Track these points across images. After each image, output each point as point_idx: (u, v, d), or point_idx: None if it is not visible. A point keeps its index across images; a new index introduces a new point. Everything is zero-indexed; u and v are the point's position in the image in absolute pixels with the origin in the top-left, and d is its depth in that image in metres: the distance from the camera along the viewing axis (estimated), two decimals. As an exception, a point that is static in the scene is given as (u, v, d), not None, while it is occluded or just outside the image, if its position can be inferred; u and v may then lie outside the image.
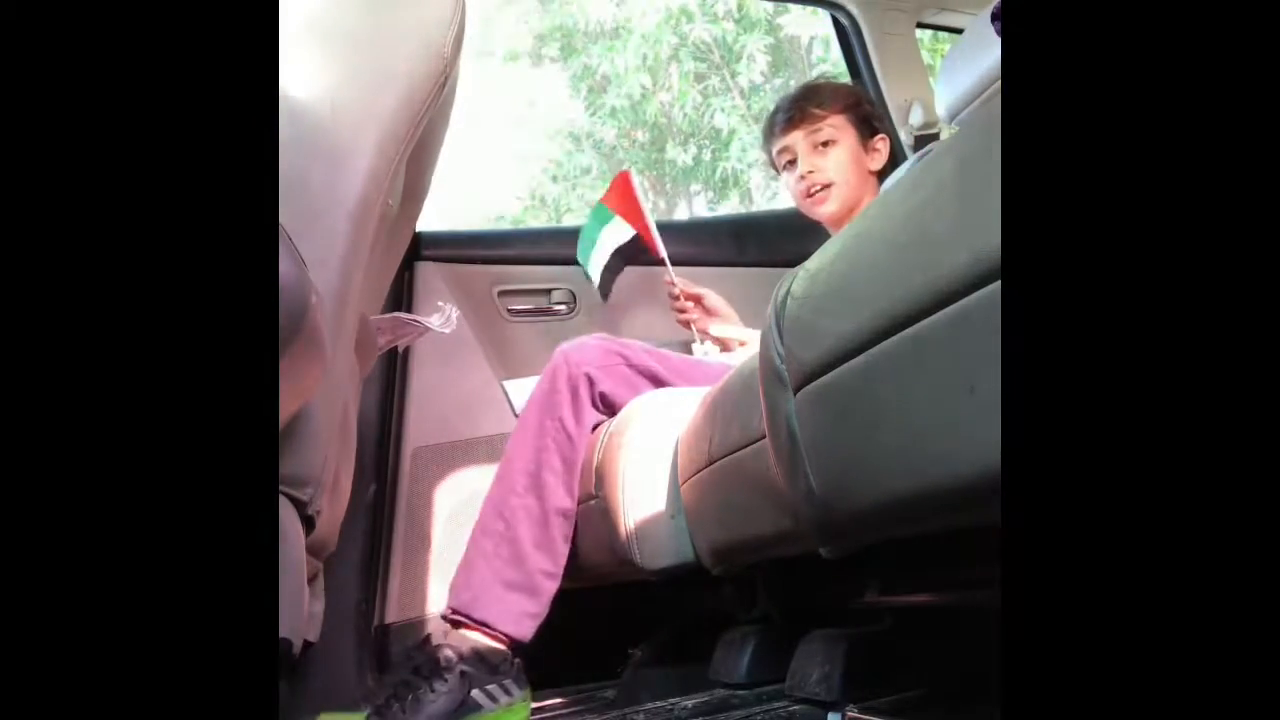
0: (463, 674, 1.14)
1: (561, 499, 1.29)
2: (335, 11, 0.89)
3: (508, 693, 1.17)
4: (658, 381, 1.37)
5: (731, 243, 1.86)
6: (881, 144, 1.53)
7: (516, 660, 1.20)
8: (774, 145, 1.53)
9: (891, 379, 0.55)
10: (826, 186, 1.48)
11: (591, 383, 1.33)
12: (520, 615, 1.23)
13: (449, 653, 1.16)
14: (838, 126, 1.48)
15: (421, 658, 1.17)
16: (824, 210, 1.50)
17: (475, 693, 1.14)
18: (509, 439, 1.37)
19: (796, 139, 1.49)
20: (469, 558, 1.28)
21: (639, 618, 1.46)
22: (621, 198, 1.61)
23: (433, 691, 1.12)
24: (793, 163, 1.50)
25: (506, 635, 1.22)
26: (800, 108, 1.49)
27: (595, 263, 1.61)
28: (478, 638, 1.22)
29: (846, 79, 1.95)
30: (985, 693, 0.74)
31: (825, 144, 1.48)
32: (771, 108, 1.58)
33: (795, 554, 0.84)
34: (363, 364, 1.19)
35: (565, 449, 1.30)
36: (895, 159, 1.60)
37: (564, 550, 1.28)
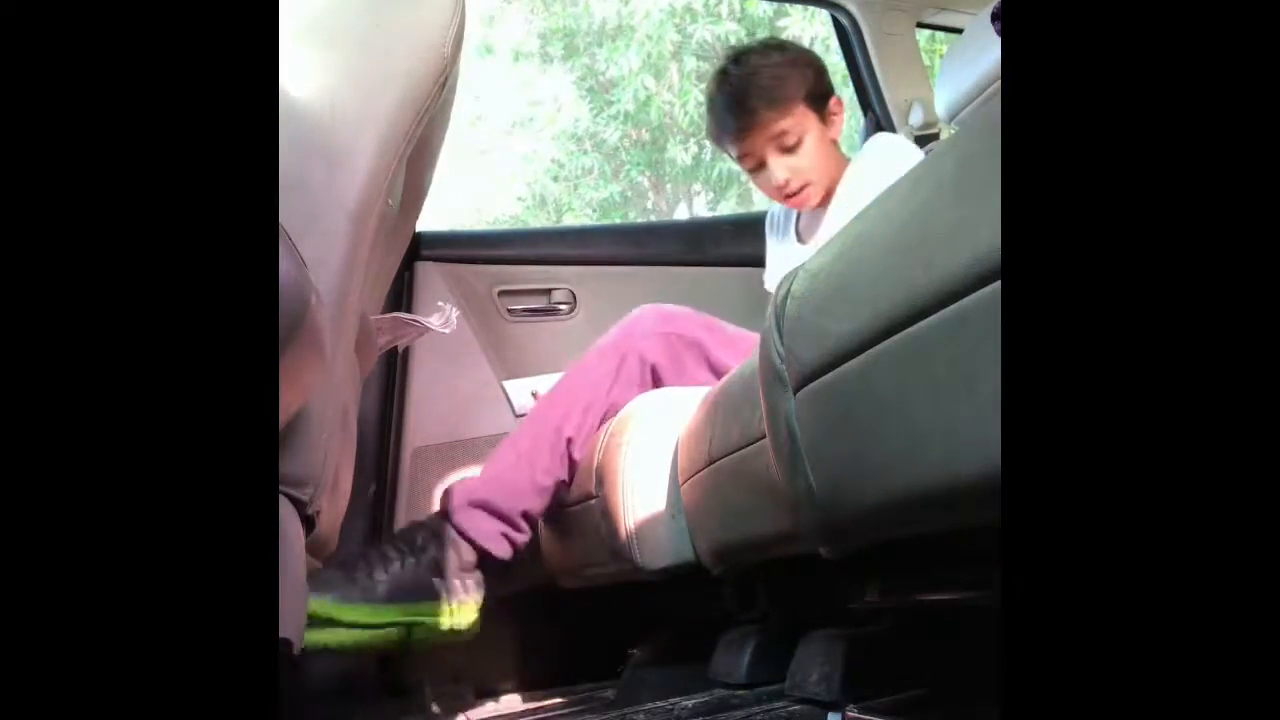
0: (433, 560, 1.21)
1: (572, 427, 1.32)
2: (335, 12, 0.89)
3: (466, 591, 1.23)
4: (703, 352, 1.36)
5: (731, 242, 1.86)
6: (837, 107, 1.41)
7: (480, 567, 1.26)
8: (731, 150, 1.41)
9: (891, 379, 0.55)
10: (805, 186, 1.39)
11: (703, 348, 1.34)
12: (495, 534, 1.27)
13: (426, 534, 1.24)
14: (797, 118, 1.35)
15: (401, 533, 1.25)
16: (808, 205, 1.43)
17: (436, 580, 1.21)
18: (570, 370, 1.38)
19: (758, 145, 1.37)
20: (489, 466, 1.32)
21: (639, 618, 1.46)
22: None
23: (401, 566, 1.20)
24: (759, 165, 1.39)
25: (481, 549, 1.26)
26: (754, 112, 1.34)
27: None
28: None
29: (846, 78, 1.95)
30: (985, 693, 0.74)
31: (790, 146, 1.36)
32: (709, 95, 1.41)
33: (795, 554, 0.84)
34: (363, 364, 1.19)
35: (594, 390, 1.33)
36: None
37: (547, 495, 1.32)
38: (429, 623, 1.19)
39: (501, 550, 1.27)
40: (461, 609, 1.22)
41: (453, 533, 1.25)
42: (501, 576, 1.29)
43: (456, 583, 1.22)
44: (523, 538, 1.29)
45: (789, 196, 1.41)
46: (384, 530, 1.56)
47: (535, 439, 1.31)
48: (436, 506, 1.58)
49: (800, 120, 1.36)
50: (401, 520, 1.56)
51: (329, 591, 1.15)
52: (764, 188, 1.43)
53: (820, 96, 1.39)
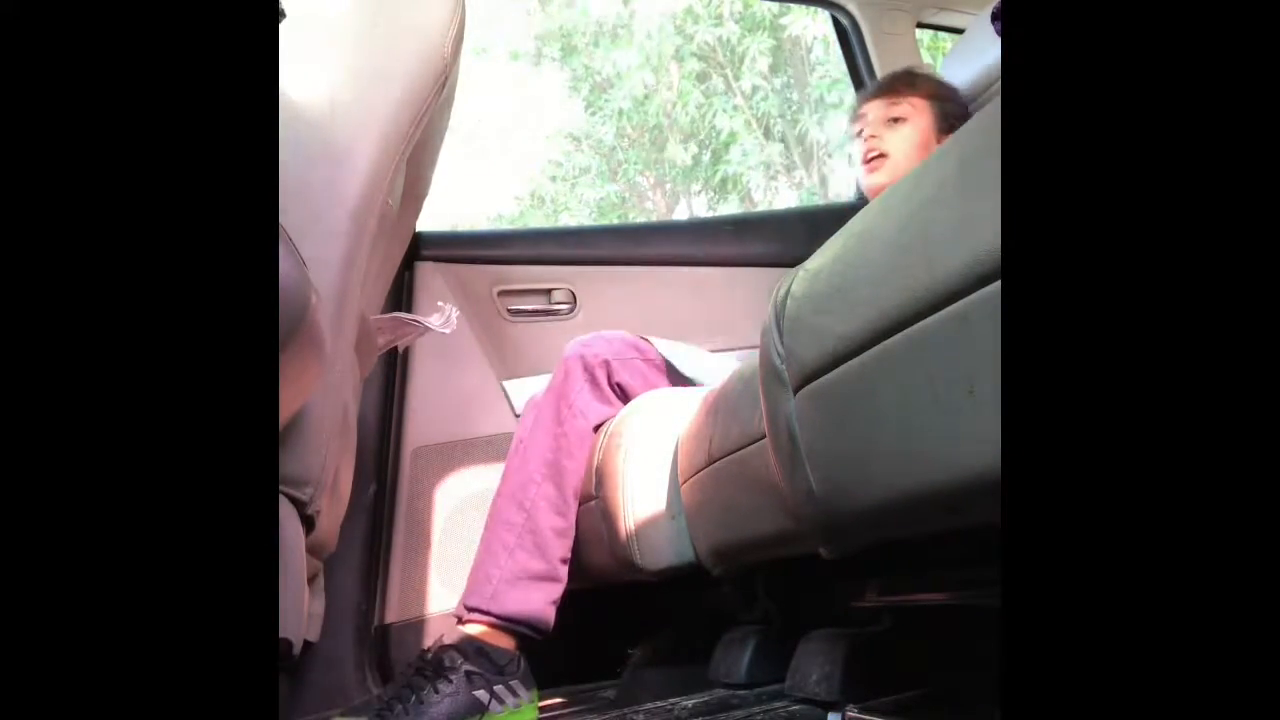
0: (468, 675, 1.13)
1: (579, 483, 1.29)
2: (335, 12, 0.89)
3: (514, 694, 1.16)
4: (673, 375, 1.36)
5: (732, 242, 1.86)
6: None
7: (524, 660, 1.20)
8: (859, 111, 1.56)
9: (891, 379, 0.55)
10: (882, 156, 1.47)
11: (609, 370, 1.33)
12: (545, 604, 1.23)
13: (454, 654, 1.15)
14: (915, 107, 1.49)
15: (426, 659, 1.16)
16: (872, 180, 1.50)
17: (480, 693, 1.13)
18: (520, 428, 1.36)
19: (873, 108, 1.51)
20: (489, 551, 1.27)
21: (639, 618, 1.46)
22: None
23: (436, 693, 1.11)
24: (861, 132, 1.53)
25: (533, 625, 1.22)
26: (889, 82, 1.53)
27: None
28: (489, 633, 1.21)
29: (846, 79, 1.95)
30: (985, 693, 0.74)
31: (896, 120, 1.49)
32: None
33: (795, 554, 0.84)
34: (363, 364, 1.19)
35: (584, 434, 1.30)
36: None
37: (572, 536, 1.29)
38: None
39: (549, 617, 1.23)
40: (519, 713, 1.17)
41: (480, 642, 1.18)
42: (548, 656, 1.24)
43: (502, 689, 1.16)
44: (560, 591, 1.26)
45: (865, 160, 1.51)
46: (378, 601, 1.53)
47: (549, 511, 1.28)
48: (437, 510, 1.58)
49: (918, 109, 1.50)
50: (401, 523, 1.55)
51: None
52: (855, 153, 1.56)
53: (946, 107, 1.52)
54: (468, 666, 1.14)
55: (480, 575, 1.25)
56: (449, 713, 1.11)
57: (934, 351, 0.51)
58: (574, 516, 1.28)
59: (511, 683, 1.16)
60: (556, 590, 1.25)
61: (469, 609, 1.23)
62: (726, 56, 7.06)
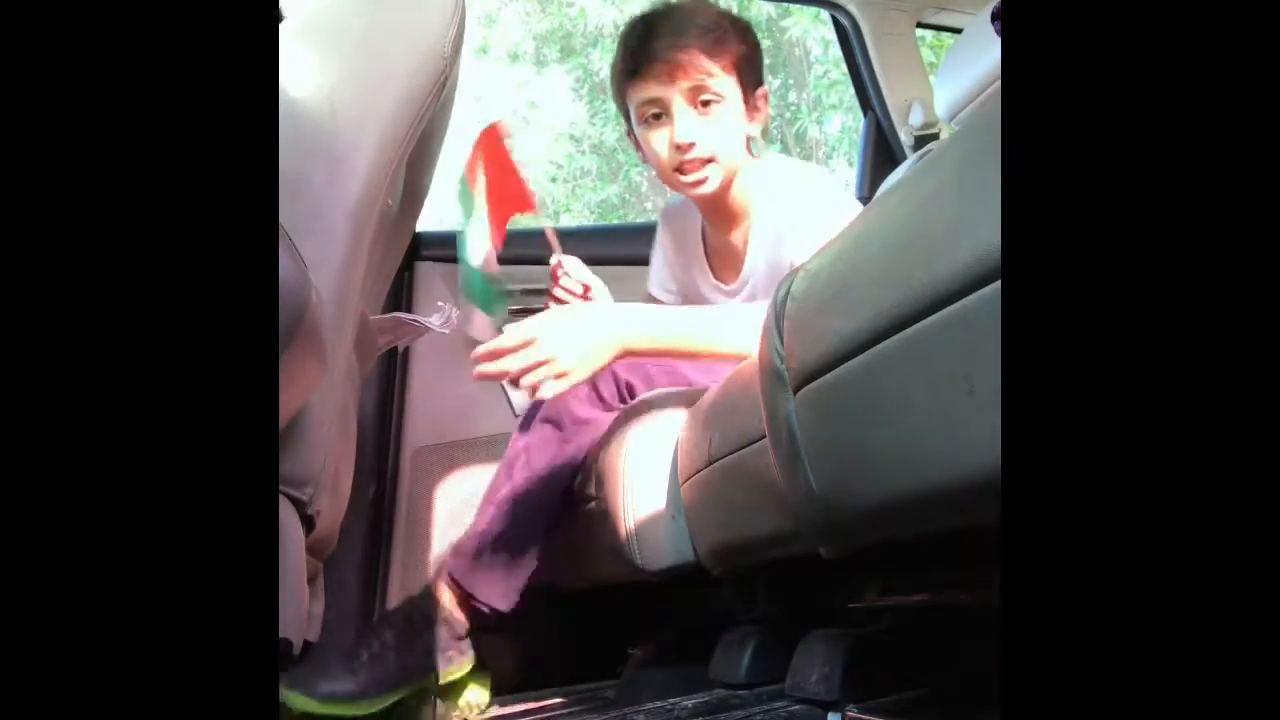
0: (428, 643, 1.22)
1: (571, 477, 1.30)
2: (335, 11, 0.89)
3: (461, 653, 1.25)
4: (673, 377, 1.36)
5: None
6: (763, 102, 1.20)
7: (470, 631, 1.25)
8: (639, 92, 1.14)
9: (891, 379, 0.55)
10: (707, 162, 1.14)
11: (614, 371, 1.31)
12: (509, 590, 1.26)
13: (419, 616, 1.23)
14: (725, 82, 1.13)
15: (389, 617, 1.26)
16: (702, 190, 1.16)
17: (427, 657, 1.22)
18: (519, 434, 1.36)
19: (673, 92, 1.11)
20: (476, 529, 1.29)
21: (639, 618, 1.46)
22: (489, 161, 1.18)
23: (398, 653, 1.20)
24: (658, 117, 1.14)
25: (492, 609, 1.25)
26: (684, 49, 1.10)
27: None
28: (456, 603, 1.26)
29: (845, 78, 1.95)
30: (985, 693, 0.74)
31: (707, 103, 1.12)
32: (631, 27, 1.16)
33: (795, 554, 0.84)
34: (363, 364, 1.19)
35: (585, 434, 1.31)
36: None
37: (554, 520, 1.31)
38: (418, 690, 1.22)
39: (513, 601, 1.26)
40: (450, 672, 1.24)
41: (446, 608, 1.24)
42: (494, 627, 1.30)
43: (451, 653, 1.24)
44: (527, 575, 1.28)
45: (680, 171, 1.15)
46: (383, 563, 1.56)
47: (542, 508, 1.29)
48: (437, 510, 1.58)
49: (725, 83, 1.14)
50: (401, 523, 1.55)
51: (315, 688, 1.15)
52: (655, 151, 1.16)
53: (752, 73, 1.18)
54: (429, 636, 1.22)
55: (464, 545, 1.28)
56: (391, 672, 1.19)
57: (934, 351, 0.51)
58: (557, 504, 1.29)
59: (461, 643, 1.25)
60: (521, 576, 1.27)
61: (447, 575, 1.28)
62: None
